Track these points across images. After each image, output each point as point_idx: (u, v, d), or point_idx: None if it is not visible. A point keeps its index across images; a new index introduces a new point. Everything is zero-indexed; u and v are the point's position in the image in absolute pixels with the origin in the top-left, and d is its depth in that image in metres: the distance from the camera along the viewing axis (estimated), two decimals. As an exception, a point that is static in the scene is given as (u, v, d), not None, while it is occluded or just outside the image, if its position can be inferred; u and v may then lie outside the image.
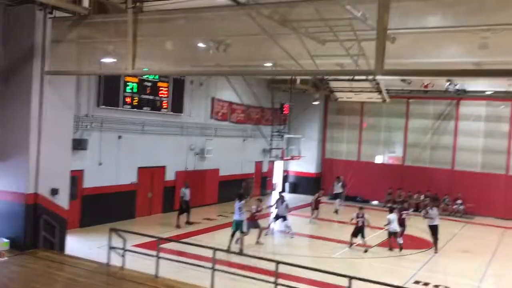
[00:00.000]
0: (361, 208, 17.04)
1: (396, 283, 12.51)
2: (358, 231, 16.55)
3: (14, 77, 12.32)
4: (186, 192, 18.60)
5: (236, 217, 15.25)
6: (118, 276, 10.65)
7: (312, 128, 29.65)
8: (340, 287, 10.23)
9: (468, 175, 25.82)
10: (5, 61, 12.41)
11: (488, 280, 14.05)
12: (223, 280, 10.77)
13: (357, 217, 16.61)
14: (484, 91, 24.77)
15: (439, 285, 12.80)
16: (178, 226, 18.16)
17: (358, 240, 16.54)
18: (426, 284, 12.88)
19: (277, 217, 18.03)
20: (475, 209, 24.89)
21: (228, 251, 14.04)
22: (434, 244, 16.75)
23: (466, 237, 20.10)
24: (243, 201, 15.49)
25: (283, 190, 29.13)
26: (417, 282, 13.02)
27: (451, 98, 25.95)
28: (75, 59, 12.27)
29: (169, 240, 14.34)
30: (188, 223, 18.57)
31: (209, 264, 10.37)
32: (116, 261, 11.21)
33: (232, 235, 15.20)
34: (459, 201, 25.13)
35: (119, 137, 18.12)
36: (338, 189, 22.89)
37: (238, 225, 15.22)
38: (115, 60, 13.04)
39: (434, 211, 17.12)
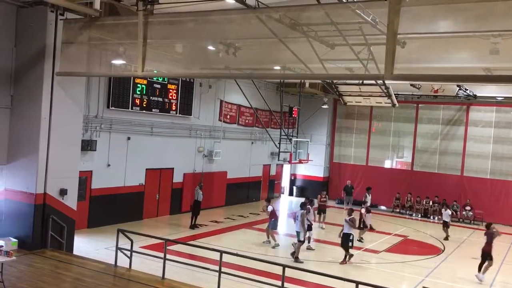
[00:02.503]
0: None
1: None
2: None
3: (25, 78, 12.43)
4: (199, 193, 18.63)
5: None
6: (125, 277, 10.67)
7: (320, 132, 29.59)
8: (346, 292, 10.17)
9: (477, 181, 25.61)
10: (17, 62, 12.53)
11: (496, 287, 13.91)
12: (230, 283, 10.76)
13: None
14: (494, 97, 24.58)
15: (447, 292, 12.72)
16: (192, 227, 18.35)
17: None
18: (433, 290, 12.79)
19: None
20: (484, 216, 24.65)
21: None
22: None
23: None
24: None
25: (291, 194, 29.13)
26: (424, 289, 12.93)
27: (461, 103, 25.80)
28: (86, 61, 12.35)
29: (176, 242, 14.36)
30: (192, 226, 18.52)
31: (216, 267, 10.37)
32: (123, 262, 11.24)
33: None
34: (468, 208, 24.93)
35: (128, 138, 18.20)
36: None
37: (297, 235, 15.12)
38: (125, 62, 13.12)
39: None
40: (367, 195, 22.89)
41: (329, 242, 17.71)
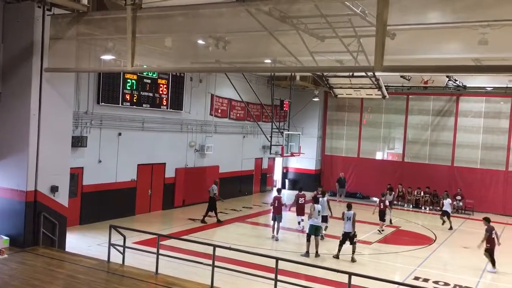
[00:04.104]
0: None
1: (396, 280, 12.59)
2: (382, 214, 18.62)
3: (14, 74, 12.30)
4: (214, 188, 18.78)
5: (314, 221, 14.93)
6: (118, 273, 10.65)
7: (311, 124, 29.64)
8: (340, 283, 10.24)
9: (468, 171, 25.84)
10: (4, 58, 12.38)
11: (487, 276, 14.07)
12: (224, 277, 10.78)
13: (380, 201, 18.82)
14: (483, 87, 24.76)
15: (439, 281, 12.83)
16: (218, 221, 18.85)
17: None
18: (425, 280, 12.90)
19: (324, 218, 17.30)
20: (475, 205, 24.92)
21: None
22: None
23: (466, 233, 20.12)
24: (354, 212, 14.86)
25: (283, 187, 29.17)
26: (416, 278, 13.04)
27: (450, 94, 25.95)
28: (74, 56, 12.23)
29: (169, 237, 14.36)
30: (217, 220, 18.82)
31: (209, 261, 10.38)
32: (116, 258, 11.22)
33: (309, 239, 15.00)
34: (458, 197, 25.16)
35: (119, 134, 18.12)
36: (389, 198, 21.72)
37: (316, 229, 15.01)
38: (114, 57, 13.03)
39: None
40: (388, 194, 22.41)
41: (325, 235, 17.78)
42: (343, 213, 14.92)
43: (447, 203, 20.64)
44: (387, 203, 19.52)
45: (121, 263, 11.08)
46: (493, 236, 14.45)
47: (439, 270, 14.14)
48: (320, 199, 17.12)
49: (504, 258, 16.09)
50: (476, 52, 12.69)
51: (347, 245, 14.59)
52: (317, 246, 14.75)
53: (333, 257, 14.67)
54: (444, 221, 20.42)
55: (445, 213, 20.51)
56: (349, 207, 15.08)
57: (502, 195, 24.92)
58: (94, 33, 12.37)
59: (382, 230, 19.00)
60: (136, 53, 10.91)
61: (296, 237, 17.40)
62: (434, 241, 18.16)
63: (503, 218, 23.63)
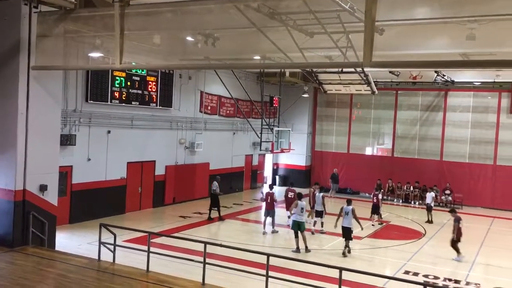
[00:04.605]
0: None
1: (386, 274, 12.69)
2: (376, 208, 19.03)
3: (0, 72, 12.16)
4: (215, 185, 18.78)
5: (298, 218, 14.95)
6: (109, 271, 10.61)
7: (301, 120, 29.69)
8: (331, 278, 10.30)
9: (456, 165, 26.06)
10: (-9, 57, 12.23)
11: (476, 269, 14.23)
12: (215, 273, 10.78)
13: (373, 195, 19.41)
14: (471, 82, 24.96)
15: (429, 275, 12.94)
16: (218, 219, 18.81)
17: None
18: (416, 274, 13.01)
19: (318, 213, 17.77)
20: (464, 199, 25.16)
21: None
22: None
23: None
24: (352, 207, 14.94)
25: (274, 183, 29.19)
26: (407, 272, 13.14)
27: (439, 89, 26.14)
28: (62, 54, 12.12)
29: (159, 234, 14.33)
30: (221, 218, 18.87)
31: (201, 258, 10.37)
32: (106, 256, 11.17)
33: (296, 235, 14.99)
34: (447, 192, 25.38)
35: (108, 132, 18.01)
36: (429, 199, 21.72)
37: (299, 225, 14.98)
38: (102, 54, 12.93)
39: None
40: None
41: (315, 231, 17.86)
42: (342, 208, 14.98)
43: (429, 196, 20.83)
44: (380, 197, 19.84)
45: (112, 261, 11.04)
46: (460, 226, 14.84)
47: (428, 263, 14.26)
48: (317, 194, 17.49)
49: (492, 251, 16.30)
50: (464, 47, 12.78)
51: (340, 239, 14.66)
52: (305, 241, 14.81)
53: (347, 253, 14.61)
54: (431, 219, 20.48)
55: (428, 207, 20.70)
56: (348, 202, 15.16)
57: (491, 189, 25.19)
58: (81, 30, 12.27)
59: (380, 224, 19.20)
60: (125, 50, 10.84)
61: (286, 232, 17.43)
62: (424, 235, 18.32)
63: (492, 211, 23.89)
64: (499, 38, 12.35)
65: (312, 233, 17.11)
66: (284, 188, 21.06)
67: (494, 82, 23.64)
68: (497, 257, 15.46)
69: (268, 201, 17.17)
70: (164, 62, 14.70)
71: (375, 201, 19.52)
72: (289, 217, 18.44)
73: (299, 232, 14.81)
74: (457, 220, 14.95)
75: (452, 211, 15.68)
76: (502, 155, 25.19)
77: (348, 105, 29.01)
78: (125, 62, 11.09)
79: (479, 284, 12.48)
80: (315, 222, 17.64)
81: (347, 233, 14.71)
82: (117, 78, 17.90)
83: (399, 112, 27.79)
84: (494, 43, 12.86)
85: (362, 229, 15.84)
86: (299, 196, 15.53)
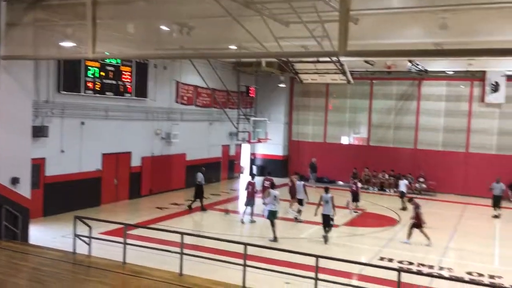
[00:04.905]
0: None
1: (362, 261, 12.88)
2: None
3: (-32, 62, 11.80)
4: (200, 176, 18.79)
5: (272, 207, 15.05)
6: (85, 264, 10.49)
7: (278, 110, 29.74)
8: (308, 266, 10.39)
9: (430, 153, 26.53)
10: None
11: (450, 254, 14.56)
12: (193, 264, 10.76)
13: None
14: (444, 71, 25.35)
15: (403, 261, 13.19)
16: (201, 209, 18.88)
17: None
18: (390, 260, 13.24)
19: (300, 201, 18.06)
20: (437, 186, 25.67)
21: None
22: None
23: (429, 214, 20.51)
24: (331, 195, 15.22)
25: (251, 173, 29.22)
26: (382, 259, 13.37)
27: (413, 78, 26.47)
28: (32, 43, 11.83)
29: (136, 226, 14.22)
30: (203, 209, 18.86)
31: (178, 249, 10.33)
32: (82, 249, 11.03)
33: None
34: (421, 179, 25.84)
35: (82, 123, 17.72)
36: (402, 186, 22.07)
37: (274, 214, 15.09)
38: (74, 44, 12.68)
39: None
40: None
41: (291, 219, 18.00)
42: (321, 197, 15.24)
43: (402, 184, 21.22)
44: (359, 185, 20.28)
45: (87, 254, 10.91)
46: (420, 212, 15.31)
47: (403, 250, 14.53)
48: (297, 183, 17.85)
49: (464, 237, 16.70)
50: (437, 36, 12.95)
51: (317, 227, 14.80)
52: (272, 231, 14.91)
53: (324, 240, 14.84)
54: (404, 206, 20.85)
55: (401, 194, 21.08)
56: (326, 190, 15.44)
57: (463, 176, 25.73)
58: (52, 19, 12.00)
59: (355, 212, 19.55)
60: (97, 39, 10.62)
61: (263, 222, 17.50)
62: (398, 222, 18.63)
63: (464, 198, 24.44)
64: (472, 27, 12.55)
65: (296, 220, 17.35)
66: (262, 178, 21.10)
67: (467, 71, 24.04)
68: (469, 242, 15.85)
69: (250, 190, 17.21)
70: (139, 51, 14.53)
71: (354, 188, 19.86)
72: (265, 204, 18.60)
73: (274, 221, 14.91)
74: (417, 207, 15.38)
75: (410, 200, 16.24)
76: (474, 143, 25.76)
77: (324, 95, 29.18)
78: (98, 52, 10.88)
79: (451, 269, 12.78)
80: (299, 210, 17.84)
81: (327, 221, 14.91)
82: (90, 68, 17.57)
83: (375, 101, 28.08)
84: (467, 33, 13.07)
85: (333, 217, 15.86)
86: (272, 186, 15.63)
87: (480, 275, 12.31)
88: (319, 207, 15.17)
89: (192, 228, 15.42)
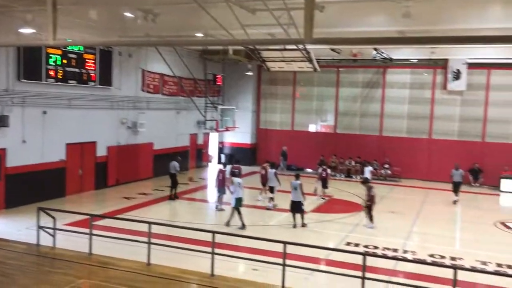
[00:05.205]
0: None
1: (329, 246, 13.11)
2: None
3: None
4: (173, 165, 18.73)
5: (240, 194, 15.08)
6: (50, 256, 10.31)
7: (246, 98, 29.70)
8: (276, 252, 10.50)
9: (395, 140, 27.09)
10: None
11: (414, 238, 14.98)
12: (161, 253, 10.72)
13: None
14: (408, 59, 25.83)
15: (369, 245, 13.49)
16: (171, 198, 18.80)
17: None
18: (356, 245, 13.52)
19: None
20: (402, 172, 26.27)
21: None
22: None
23: (394, 199, 21.22)
24: (300, 181, 15.38)
25: (219, 162, 29.22)
26: (348, 244, 13.64)
27: (378, 66, 26.87)
28: (-11, 30, 11.42)
29: (102, 216, 14.03)
30: (172, 197, 18.73)
31: (145, 239, 10.27)
32: (47, 241, 10.82)
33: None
34: (386, 165, 26.40)
35: (44, 112, 17.25)
36: (367, 173, 22.32)
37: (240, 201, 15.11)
38: (34, 30, 12.28)
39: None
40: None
41: (259, 207, 18.12)
42: (291, 183, 15.50)
43: (367, 170, 21.68)
44: (329, 171, 20.67)
45: (52, 245, 10.71)
46: (372, 194, 15.75)
47: (369, 235, 14.84)
48: (269, 170, 18.07)
49: (427, 221, 17.20)
50: (401, 24, 13.17)
51: (286, 215, 14.94)
52: (231, 217, 15.02)
53: (293, 227, 15.13)
54: None
55: (365, 180, 21.46)
56: (296, 177, 15.69)
57: (426, 162, 26.42)
58: (10, 4, 11.57)
59: (323, 198, 20.01)
60: (58, 25, 10.29)
61: (230, 210, 17.56)
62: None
63: (427, 183, 25.12)
64: (434, 16, 12.82)
65: (268, 208, 17.56)
66: (230, 166, 21.09)
67: (430, 59, 24.55)
68: (431, 226, 16.33)
69: (220, 178, 17.16)
70: (102, 38, 14.20)
71: (324, 175, 20.19)
72: (231, 192, 18.71)
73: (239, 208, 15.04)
74: (369, 189, 15.90)
75: (364, 182, 17.02)
76: (437, 129, 26.43)
77: (291, 83, 29.30)
78: (60, 39, 10.56)
79: (415, 252, 13.15)
80: (270, 198, 18.02)
81: (296, 207, 15.18)
82: (51, 55, 17.07)
83: (341, 89, 28.40)
84: (429, 21, 13.33)
85: (303, 203, 16.13)
86: (234, 174, 15.67)
87: (442, 257, 12.73)
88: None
89: (160, 217, 15.29)
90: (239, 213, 14.92)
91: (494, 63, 24.50)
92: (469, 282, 10.16)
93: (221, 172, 17.39)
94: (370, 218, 15.69)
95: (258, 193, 19.45)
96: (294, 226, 15.16)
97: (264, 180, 18.89)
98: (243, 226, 14.78)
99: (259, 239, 10.60)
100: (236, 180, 15.27)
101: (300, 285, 9.63)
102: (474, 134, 25.72)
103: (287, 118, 29.65)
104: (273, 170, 18.27)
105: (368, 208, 15.76)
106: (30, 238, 11.64)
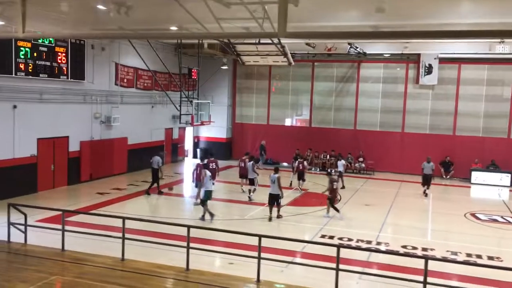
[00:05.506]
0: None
1: (305, 239, 13.22)
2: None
3: None
4: (156, 160, 18.55)
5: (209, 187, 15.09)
6: (21, 252, 10.12)
7: (221, 93, 29.62)
8: (251, 246, 10.54)
9: (369, 134, 27.45)
10: None
11: (387, 230, 15.23)
12: (136, 249, 10.64)
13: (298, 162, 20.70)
14: (382, 54, 26.16)
15: (343, 237, 13.66)
16: (160, 193, 18.73)
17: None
18: (331, 237, 13.67)
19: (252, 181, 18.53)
20: (375, 165, 26.65)
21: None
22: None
23: (367, 192, 21.52)
24: (279, 175, 15.58)
25: (195, 156, 29.09)
26: (323, 236, 13.78)
27: (352, 61, 27.12)
28: (-45, 21, 11.07)
29: (76, 212, 13.83)
30: (148, 192, 18.59)
31: (119, 234, 10.17)
32: (18, 238, 10.61)
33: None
34: (361, 159, 26.73)
35: (14, 106, 16.86)
36: (340, 166, 22.40)
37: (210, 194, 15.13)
38: (2, 22, 11.96)
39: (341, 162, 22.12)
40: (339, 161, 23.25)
41: (235, 201, 18.14)
42: (270, 176, 15.80)
43: (340, 164, 21.97)
44: (305, 164, 20.96)
45: (24, 242, 10.51)
46: (334, 187, 16.20)
47: (343, 227, 15.03)
48: (248, 163, 18.40)
49: (400, 213, 17.51)
50: (374, 19, 13.32)
51: (261, 208, 15.00)
52: (206, 210, 15.04)
53: (268, 220, 15.29)
54: (343, 185, 21.55)
55: (339, 174, 21.78)
56: (275, 170, 15.92)
57: (399, 155, 26.86)
58: (-23, -5, 11.22)
59: (300, 191, 20.30)
60: (28, 18, 10.06)
61: (209, 204, 17.54)
62: (339, 200, 19.19)
63: (400, 176, 25.55)
64: (407, 11, 12.99)
65: (250, 200, 17.87)
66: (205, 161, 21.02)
67: (402, 54, 24.93)
68: (404, 218, 16.63)
69: (198, 172, 17.11)
70: (73, 31, 13.91)
71: (300, 168, 20.46)
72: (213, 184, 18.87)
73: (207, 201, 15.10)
74: (331, 182, 16.27)
75: (329, 174, 17.54)
76: (409, 123, 26.89)
77: (267, 77, 29.33)
78: (29, 31, 10.33)
79: (388, 243, 13.39)
80: (249, 190, 18.23)
81: (273, 200, 15.41)
82: (21, 48, 16.66)
83: (316, 84, 28.57)
84: (402, 16, 13.51)
85: (282, 197, 16.31)
86: (205, 166, 15.66)
87: (414, 248, 12.98)
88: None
89: (135, 212, 15.15)
90: (205, 205, 15.00)
91: (465, 57, 25.05)
92: (440, 271, 10.40)
93: (199, 166, 17.36)
94: (334, 209, 16.06)
95: (234, 187, 19.47)
96: (270, 219, 15.26)
97: (243, 172, 19.06)
98: (202, 218, 14.89)
99: (235, 232, 10.62)
100: (208, 173, 15.30)
101: (275, 278, 9.70)
102: (445, 128, 26.27)
103: (262, 112, 29.69)
104: (251, 162, 18.47)
105: (330, 200, 16.12)
106: (1, 235, 11.40)
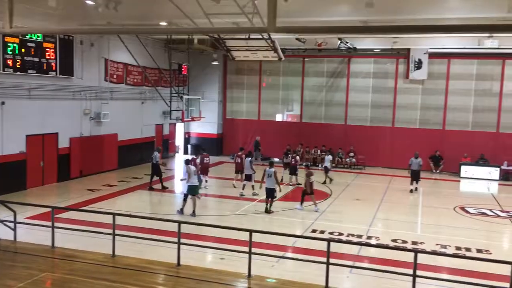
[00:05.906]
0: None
1: (296, 233, 13.27)
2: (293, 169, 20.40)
3: None
4: (157, 155, 18.74)
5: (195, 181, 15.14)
6: (11, 249, 10.05)
7: (212, 88, 29.53)
8: (242, 241, 10.56)
9: (359, 129, 27.54)
10: None
11: (377, 224, 15.32)
12: (126, 245, 10.62)
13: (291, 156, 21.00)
14: (372, 49, 26.22)
15: (334, 232, 13.73)
16: (151, 189, 18.85)
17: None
18: (322, 232, 13.73)
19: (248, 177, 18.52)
20: (366, 160, 26.76)
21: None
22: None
23: (358, 187, 21.62)
24: (274, 169, 15.81)
25: (186, 152, 29.03)
26: (314, 231, 13.84)
27: (342, 56, 27.16)
28: None
29: (65, 209, 13.76)
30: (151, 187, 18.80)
31: (110, 230, 10.13)
32: (7, 235, 10.54)
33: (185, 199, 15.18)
34: (351, 154, 26.82)
35: (2, 103, 16.70)
36: (326, 162, 22.45)
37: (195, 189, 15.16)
38: (-11, 17, 11.80)
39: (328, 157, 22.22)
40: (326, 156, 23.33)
41: (227, 196, 18.15)
42: (265, 171, 16.05)
43: (327, 159, 22.05)
44: (297, 159, 21.08)
45: (13, 239, 10.44)
46: (311, 181, 16.38)
47: (334, 222, 15.10)
48: (246, 159, 18.38)
49: (390, 207, 17.63)
50: (364, 14, 13.35)
51: (252, 203, 15.02)
52: (194, 205, 14.99)
53: (266, 212, 15.62)
54: (326, 180, 21.63)
55: (325, 169, 21.89)
56: (270, 164, 16.15)
57: (390, 150, 26.99)
58: (-37, -10, 11.05)
59: (292, 185, 20.38)
60: (16, 13, 9.95)
61: (202, 200, 17.52)
62: (330, 195, 19.31)
63: (390, 170, 25.69)
64: (396, 5, 13.04)
65: (199, 197, 17.47)
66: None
67: (392, 49, 24.99)
68: (394, 212, 16.75)
69: (193, 163, 17.14)
70: (61, 26, 13.78)
71: (293, 162, 20.60)
72: (206, 181, 19.02)
73: (189, 196, 15.08)
74: (308, 175, 16.40)
75: (306, 167, 17.71)
76: (399, 118, 27.01)
77: (257, 72, 29.29)
78: (17, 27, 10.21)
79: (378, 237, 13.48)
80: (253, 186, 18.24)
81: (270, 193, 15.66)
82: (9, 44, 16.49)
83: (306, 79, 28.59)
84: (392, 11, 13.56)
85: (280, 190, 16.47)
86: (187, 162, 15.65)
87: (404, 242, 13.08)
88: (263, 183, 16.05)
89: (126, 209, 15.09)
90: (185, 200, 15.05)
91: (454, 52, 25.19)
92: (430, 265, 10.49)
93: (193, 160, 17.40)
94: (301, 201, 16.36)
95: (226, 182, 19.46)
96: (266, 210, 15.64)
97: (240, 168, 19.04)
98: (180, 211, 14.97)
99: (226, 228, 10.63)
100: (193, 168, 15.34)
101: (266, 273, 9.73)
102: (435, 122, 26.43)
103: (253, 108, 29.67)
104: (249, 159, 18.49)
105: (304, 192, 16.36)
106: (-10, 232, 11.33)
